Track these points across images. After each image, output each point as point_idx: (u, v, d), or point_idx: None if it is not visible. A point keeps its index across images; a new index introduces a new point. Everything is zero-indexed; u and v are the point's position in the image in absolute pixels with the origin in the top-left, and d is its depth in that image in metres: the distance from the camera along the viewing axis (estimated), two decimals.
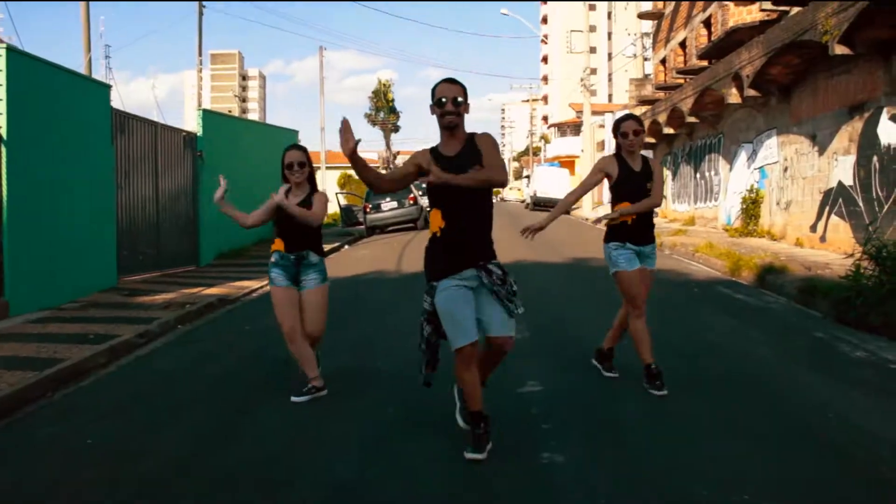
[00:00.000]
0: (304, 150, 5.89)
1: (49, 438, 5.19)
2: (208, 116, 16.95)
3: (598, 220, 6.50)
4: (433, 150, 4.41)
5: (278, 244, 5.79)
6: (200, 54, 25.77)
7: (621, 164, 5.72)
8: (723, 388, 5.74)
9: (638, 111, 32.45)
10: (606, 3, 52.82)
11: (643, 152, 5.97)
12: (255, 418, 5.46)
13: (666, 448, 4.50)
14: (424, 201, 29.32)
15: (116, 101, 13.89)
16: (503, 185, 4.60)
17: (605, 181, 5.83)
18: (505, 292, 4.31)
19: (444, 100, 4.26)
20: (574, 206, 39.75)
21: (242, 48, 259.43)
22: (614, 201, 5.82)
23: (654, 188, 5.71)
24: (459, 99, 4.28)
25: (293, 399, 5.67)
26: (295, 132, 24.16)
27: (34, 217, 10.13)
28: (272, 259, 5.83)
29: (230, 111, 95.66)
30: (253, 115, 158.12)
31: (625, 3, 39.73)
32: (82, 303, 10.68)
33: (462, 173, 4.15)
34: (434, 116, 4.37)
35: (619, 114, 40.47)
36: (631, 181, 5.68)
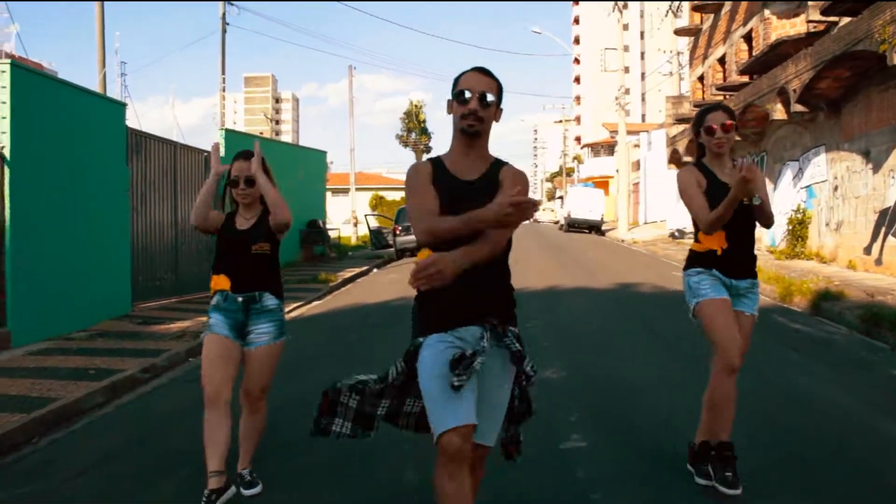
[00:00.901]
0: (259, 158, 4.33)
1: (19, 502, 4.50)
2: (231, 136, 16.45)
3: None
4: (437, 164, 3.10)
5: (220, 282, 4.26)
6: (223, 72, 25.32)
7: (708, 176, 4.24)
8: (803, 450, 4.80)
9: (675, 130, 31.63)
10: (640, 20, 52.08)
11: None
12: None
13: None
14: None
15: (133, 121, 13.34)
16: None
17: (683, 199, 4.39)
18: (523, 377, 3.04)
19: (467, 93, 2.95)
20: (609, 227, 38.96)
21: (276, 71, 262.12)
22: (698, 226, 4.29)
23: (763, 201, 4.13)
24: (490, 97, 2.97)
25: None
26: (323, 153, 23.67)
27: (40, 240, 9.55)
28: (212, 301, 4.32)
29: (262, 133, 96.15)
30: (286, 137, 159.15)
31: (659, 20, 39.01)
32: (91, 332, 10.07)
33: (473, 206, 2.82)
34: (451, 116, 3.07)
35: (655, 133, 39.46)
36: (723, 196, 4.05)
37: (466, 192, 2.95)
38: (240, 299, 4.21)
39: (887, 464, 4.54)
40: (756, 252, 4.34)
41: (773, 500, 4.01)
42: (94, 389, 6.92)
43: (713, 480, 4.11)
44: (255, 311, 4.23)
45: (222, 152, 15.58)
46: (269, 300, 4.26)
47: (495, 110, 3.04)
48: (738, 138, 31.51)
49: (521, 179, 3.03)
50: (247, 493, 4.25)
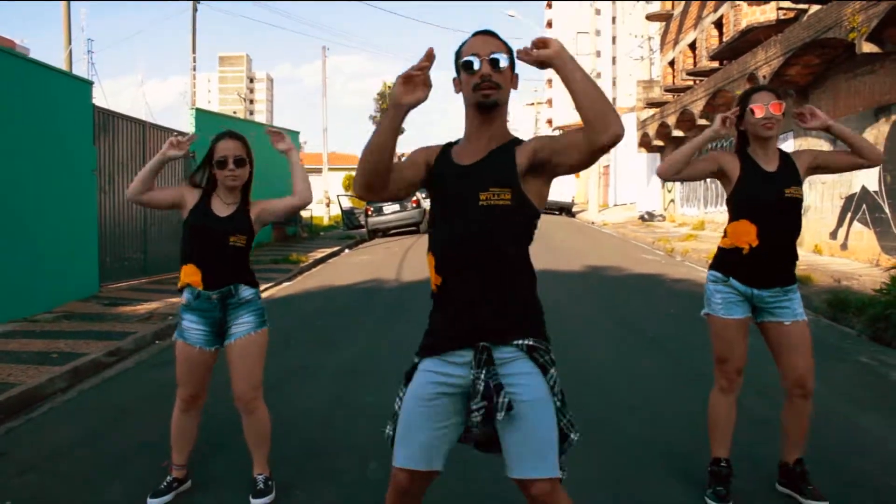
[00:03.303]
0: (242, 140, 3.94)
1: None
2: (201, 116, 16.09)
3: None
4: (445, 148, 2.65)
5: (190, 274, 3.85)
6: (194, 51, 24.83)
7: (745, 161, 3.78)
8: (769, 437, 4.48)
9: (645, 114, 31.59)
10: (611, 4, 51.88)
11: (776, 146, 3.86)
12: (208, 473, 4.39)
13: None
14: (427, 204, 28.50)
15: (101, 100, 12.94)
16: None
17: (720, 184, 3.94)
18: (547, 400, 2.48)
19: (475, 60, 2.46)
20: (579, 210, 38.92)
21: (251, 51, 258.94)
22: (729, 219, 3.83)
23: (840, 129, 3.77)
24: (502, 59, 2.47)
25: (150, 502, 3.87)
26: (296, 133, 23.28)
27: (3, 220, 9.20)
28: (183, 299, 3.93)
29: (235, 112, 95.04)
30: (260, 117, 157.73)
31: (631, 5, 38.85)
32: (57, 313, 9.75)
33: (457, 194, 2.52)
34: (460, 95, 2.59)
35: (626, 116, 39.43)
36: (759, 186, 3.69)
37: (458, 178, 2.53)
38: (214, 297, 3.83)
39: (858, 458, 4.43)
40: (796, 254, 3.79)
41: (742, 491, 3.87)
42: (56, 374, 6.63)
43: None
44: (232, 306, 3.87)
45: (191, 130, 15.23)
46: (245, 291, 3.90)
47: (511, 75, 2.53)
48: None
49: (538, 138, 2.56)
50: (254, 501, 3.88)
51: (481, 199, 2.45)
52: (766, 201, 3.65)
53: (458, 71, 2.56)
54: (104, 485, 4.27)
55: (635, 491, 4.02)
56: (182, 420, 4.00)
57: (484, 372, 2.43)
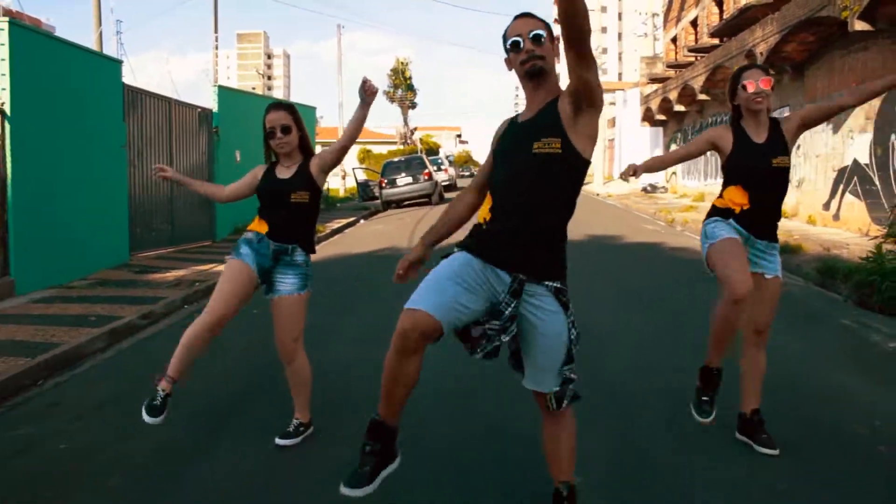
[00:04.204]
0: (290, 108, 4.23)
1: (22, 441, 4.53)
2: (224, 93, 16.21)
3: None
4: (512, 118, 2.98)
5: (258, 225, 4.15)
6: (216, 30, 25.07)
7: (738, 134, 4.03)
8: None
9: (649, 89, 31.53)
10: None
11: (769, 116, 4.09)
12: (242, 423, 4.70)
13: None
14: (439, 176, 28.62)
15: (129, 78, 13.21)
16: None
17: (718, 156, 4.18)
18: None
19: (518, 41, 2.76)
20: (586, 182, 38.85)
21: (269, 28, 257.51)
22: (724, 183, 4.09)
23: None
24: (540, 34, 2.75)
25: (146, 416, 3.92)
26: (313, 108, 23.40)
27: (41, 193, 9.48)
28: (246, 235, 4.18)
29: (253, 88, 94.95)
30: (277, 93, 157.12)
31: None
32: (91, 280, 10.07)
33: (515, 151, 2.80)
34: (513, 72, 2.90)
35: (631, 92, 39.22)
36: (750, 157, 3.95)
37: (515, 134, 2.85)
38: (272, 246, 4.08)
39: (833, 410, 4.64)
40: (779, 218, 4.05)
41: (725, 448, 4.10)
42: (96, 335, 6.94)
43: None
44: (283, 263, 4.11)
45: (215, 108, 15.45)
46: (299, 255, 4.14)
47: (552, 45, 2.80)
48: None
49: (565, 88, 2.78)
50: (280, 441, 4.20)
51: (535, 148, 2.70)
52: (757, 170, 3.92)
53: (507, 52, 2.86)
54: (148, 429, 4.54)
55: (634, 439, 4.27)
56: (201, 336, 3.94)
57: (515, 303, 2.69)
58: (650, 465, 3.83)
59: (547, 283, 2.75)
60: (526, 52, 2.75)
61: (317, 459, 4.05)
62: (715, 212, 4.08)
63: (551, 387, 2.81)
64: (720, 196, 4.10)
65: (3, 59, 8.77)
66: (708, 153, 4.33)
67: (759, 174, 3.93)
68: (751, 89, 3.93)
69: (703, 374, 4.04)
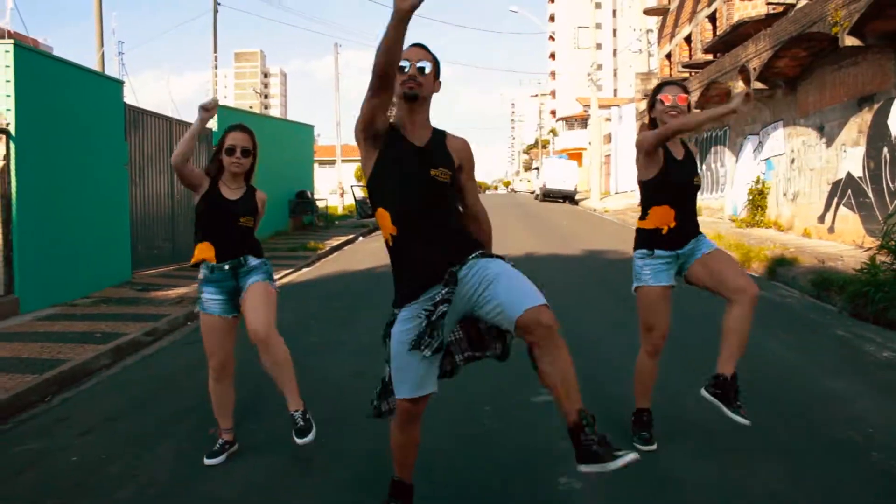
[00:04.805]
0: (250, 133, 4.36)
1: (31, 456, 4.59)
2: (223, 112, 16.37)
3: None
4: (393, 126, 3.13)
5: (204, 251, 4.24)
6: (216, 51, 25.20)
7: (665, 150, 4.08)
8: (749, 399, 4.92)
9: (643, 105, 31.70)
10: None
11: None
12: (252, 436, 4.76)
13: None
14: None
15: (130, 97, 13.25)
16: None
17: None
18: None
19: (406, 65, 3.02)
20: (582, 197, 39.09)
21: (265, 47, 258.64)
22: (648, 203, 4.12)
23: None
24: (424, 66, 3.04)
25: (206, 462, 4.23)
26: (310, 127, 23.57)
27: (44, 212, 9.57)
28: (200, 275, 4.31)
29: (251, 107, 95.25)
30: (274, 112, 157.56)
31: None
32: (94, 298, 10.13)
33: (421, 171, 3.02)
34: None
35: (626, 108, 39.32)
36: (676, 174, 4.06)
37: (418, 157, 3.05)
38: (226, 267, 4.23)
39: (828, 417, 4.72)
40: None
41: (722, 453, 4.18)
42: (101, 352, 7.01)
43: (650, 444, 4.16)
44: (242, 273, 4.27)
45: (214, 127, 15.56)
46: (253, 260, 4.31)
47: (433, 80, 3.11)
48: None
49: (469, 151, 3.21)
50: (300, 441, 4.14)
51: (432, 174, 3.02)
52: (682, 188, 4.08)
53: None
54: (156, 443, 4.66)
55: (628, 444, 4.32)
56: (218, 389, 4.35)
57: (451, 287, 2.88)
58: (644, 470, 3.85)
59: (472, 258, 2.95)
60: (408, 76, 3.03)
61: (326, 474, 4.11)
62: (642, 238, 4.13)
63: (541, 299, 2.80)
64: (643, 217, 4.15)
65: (8, 81, 8.87)
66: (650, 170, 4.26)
67: (683, 192, 4.07)
68: (667, 102, 4.06)
69: (636, 416, 4.24)
